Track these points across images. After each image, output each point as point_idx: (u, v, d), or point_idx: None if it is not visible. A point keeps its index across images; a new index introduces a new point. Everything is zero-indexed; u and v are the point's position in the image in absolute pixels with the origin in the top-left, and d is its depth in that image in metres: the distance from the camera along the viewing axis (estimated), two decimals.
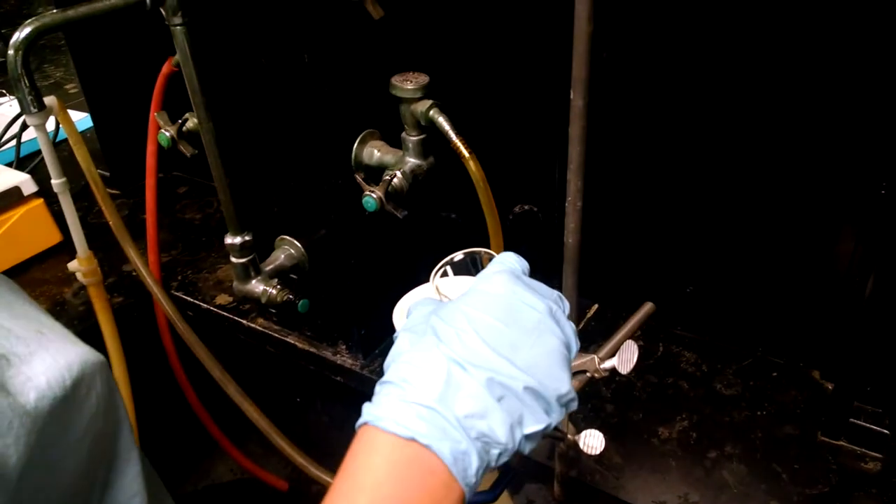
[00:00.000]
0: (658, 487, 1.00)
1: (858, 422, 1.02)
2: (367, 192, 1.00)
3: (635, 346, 0.78)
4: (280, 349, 1.31)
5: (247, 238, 1.09)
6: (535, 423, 0.55)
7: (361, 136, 1.07)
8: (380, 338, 1.27)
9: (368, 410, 0.54)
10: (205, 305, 1.39)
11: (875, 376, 1.02)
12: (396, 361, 0.56)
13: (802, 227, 1.09)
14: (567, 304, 0.64)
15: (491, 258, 0.67)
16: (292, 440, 1.62)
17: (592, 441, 0.76)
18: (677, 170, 1.16)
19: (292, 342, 1.28)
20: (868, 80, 0.94)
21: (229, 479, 1.66)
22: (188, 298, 1.42)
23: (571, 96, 0.64)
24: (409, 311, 0.64)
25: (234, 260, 1.10)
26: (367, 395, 1.24)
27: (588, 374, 0.82)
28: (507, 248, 1.33)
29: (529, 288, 0.60)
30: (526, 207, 1.26)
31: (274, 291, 1.10)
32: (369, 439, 0.53)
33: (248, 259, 1.10)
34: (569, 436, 0.77)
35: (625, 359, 0.78)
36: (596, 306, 1.34)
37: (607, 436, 0.79)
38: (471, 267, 0.74)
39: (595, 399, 1.16)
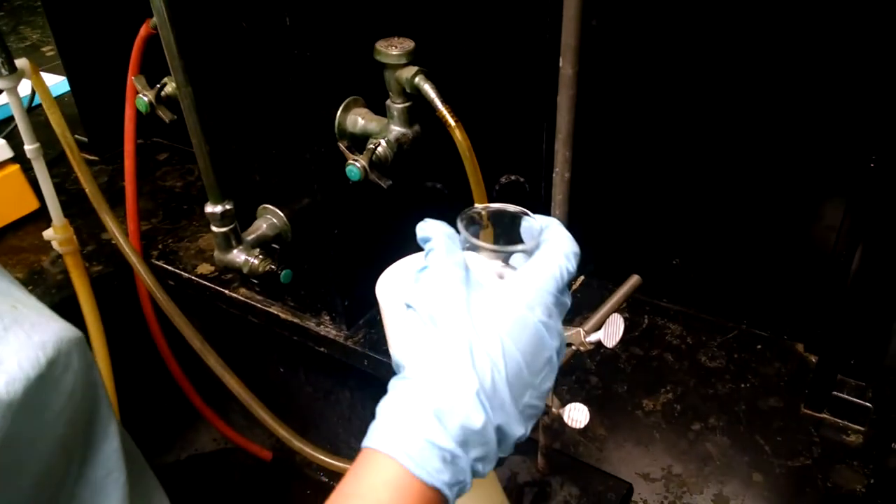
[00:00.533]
0: (642, 460, 1.01)
1: (841, 395, 1.03)
2: (351, 161, 0.98)
3: (621, 320, 0.77)
4: (263, 319, 1.29)
5: (227, 207, 1.06)
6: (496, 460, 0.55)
7: (345, 102, 1.05)
8: (364, 308, 1.25)
9: (388, 437, 0.50)
10: (185, 275, 1.37)
11: (858, 350, 1.02)
12: (422, 361, 0.52)
13: (788, 200, 1.08)
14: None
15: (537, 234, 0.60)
16: (275, 410, 1.61)
17: (577, 415, 0.76)
18: (665, 141, 1.14)
19: (275, 312, 1.27)
20: (855, 53, 0.93)
21: (213, 449, 1.65)
22: (169, 268, 1.39)
23: (561, 64, 0.62)
24: (427, 270, 0.55)
25: (214, 229, 1.07)
26: (351, 366, 1.24)
27: (574, 348, 0.82)
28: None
29: (559, 312, 0.57)
30: (512, 178, 1.25)
31: (256, 261, 1.08)
32: (385, 470, 0.49)
33: (228, 228, 1.08)
34: (553, 409, 0.77)
35: (610, 332, 0.77)
36: (582, 278, 1.33)
37: (591, 408, 0.79)
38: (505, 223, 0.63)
39: (579, 371, 1.15)
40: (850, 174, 1.00)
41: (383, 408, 0.52)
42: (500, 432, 0.52)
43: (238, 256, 1.10)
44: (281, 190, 1.13)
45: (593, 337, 0.79)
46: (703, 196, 1.15)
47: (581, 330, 0.80)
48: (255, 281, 1.10)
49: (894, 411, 1.04)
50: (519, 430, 0.53)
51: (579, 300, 1.28)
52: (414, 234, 0.59)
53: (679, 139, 1.12)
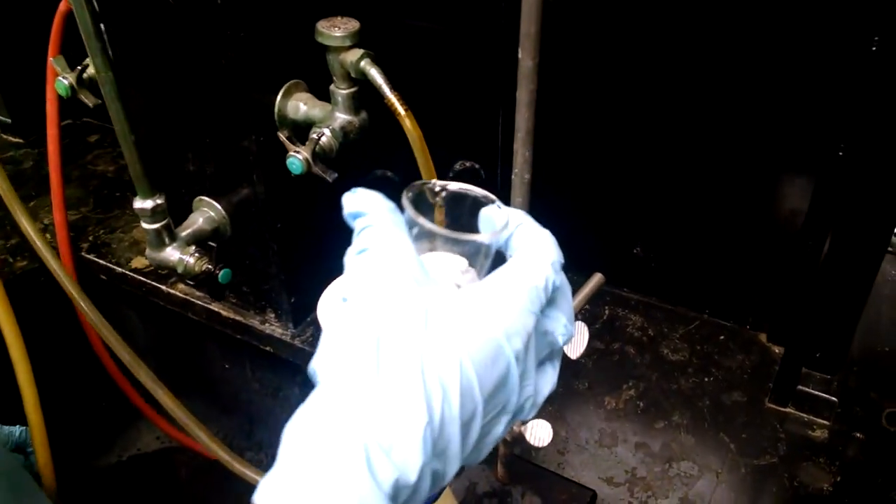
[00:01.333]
0: (605, 462, 0.96)
1: (807, 389, 1.00)
2: (292, 153, 0.90)
3: (585, 329, 0.72)
4: (203, 316, 1.21)
5: (159, 202, 0.97)
6: None
7: (285, 87, 0.96)
8: (311, 305, 1.18)
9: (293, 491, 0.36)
10: (119, 269, 1.28)
11: (824, 342, 0.99)
12: (354, 375, 0.39)
13: (751, 185, 1.04)
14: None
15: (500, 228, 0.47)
16: (221, 408, 1.54)
17: (540, 432, 0.71)
18: (625, 127, 1.09)
19: (216, 310, 1.19)
20: (818, 36, 0.88)
21: (157, 448, 1.57)
22: (100, 261, 1.30)
23: (520, 55, 0.56)
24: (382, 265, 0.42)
25: (145, 226, 0.99)
26: (299, 366, 1.17)
27: None
28: None
29: (535, 349, 0.44)
30: (467, 164, 1.18)
31: (192, 260, 1.00)
32: None
33: (161, 224, 0.99)
34: (514, 427, 0.71)
35: (574, 341, 0.72)
36: None
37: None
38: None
39: None
40: (815, 159, 0.96)
41: (291, 441, 0.39)
42: (436, 477, 0.39)
43: (172, 255, 1.01)
44: (218, 181, 1.04)
45: None
46: (663, 182, 1.10)
47: None
48: (191, 282, 1.02)
49: (859, 404, 1.02)
50: (456, 470, 0.41)
51: None
52: None
53: (639, 125, 1.07)
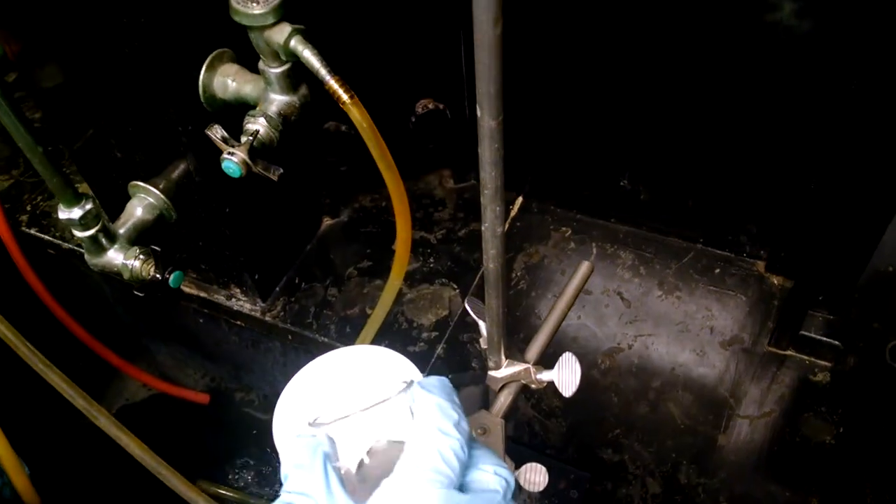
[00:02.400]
0: (601, 433, 0.93)
1: (809, 334, 0.95)
2: (226, 155, 0.78)
3: (576, 363, 0.65)
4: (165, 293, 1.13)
5: (87, 207, 0.86)
6: None
7: (207, 61, 0.82)
8: (279, 275, 1.10)
9: None
10: (66, 245, 1.18)
11: (830, 281, 0.93)
12: None
13: (745, 95, 0.91)
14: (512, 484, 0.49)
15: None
16: (205, 355, 1.50)
17: (534, 476, 0.66)
18: (608, 44, 0.95)
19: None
20: None
21: (145, 396, 1.55)
22: (44, 236, 1.20)
23: (479, 114, 0.44)
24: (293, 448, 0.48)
25: (77, 234, 0.88)
26: (276, 340, 1.11)
27: (521, 383, 0.70)
28: (412, 148, 1.13)
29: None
30: (431, 106, 1.05)
31: (137, 264, 0.90)
32: None
33: (95, 230, 0.88)
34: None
35: (566, 377, 0.66)
36: (520, 199, 1.18)
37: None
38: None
39: (527, 331, 1.04)
40: (820, 79, 0.84)
41: None
42: None
43: (114, 259, 0.91)
44: (150, 168, 0.92)
45: (545, 376, 0.67)
46: (649, 104, 0.98)
47: (530, 367, 0.68)
48: (138, 287, 0.92)
49: (862, 338, 0.98)
50: None
51: (518, 229, 1.15)
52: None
53: (622, 42, 0.93)
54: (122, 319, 1.50)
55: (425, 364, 1.00)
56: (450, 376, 0.53)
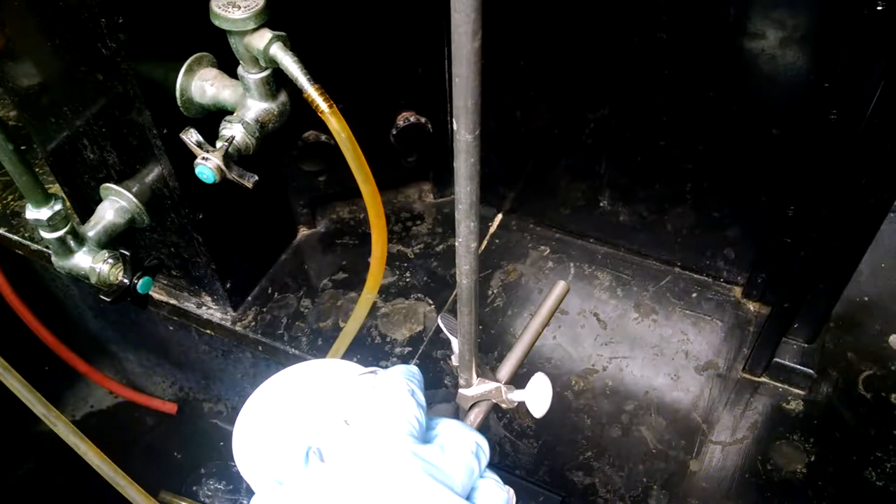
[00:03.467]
0: (572, 456, 0.92)
1: (783, 361, 0.95)
2: (201, 161, 0.77)
3: (547, 383, 0.64)
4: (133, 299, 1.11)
5: (56, 208, 0.84)
6: None
7: (186, 64, 0.81)
8: (251, 284, 1.08)
9: None
10: (36, 246, 1.15)
11: (805, 311, 0.93)
12: None
13: (728, 115, 0.91)
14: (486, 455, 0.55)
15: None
16: (173, 363, 1.47)
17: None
18: (589, 61, 0.95)
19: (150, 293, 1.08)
20: None
21: (111, 404, 1.52)
22: (13, 237, 1.17)
23: (454, 127, 0.43)
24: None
25: (45, 235, 0.86)
26: (247, 350, 1.09)
27: (492, 402, 0.69)
28: (392, 161, 1.12)
29: (438, 477, 0.49)
30: (412, 119, 1.04)
31: (105, 268, 0.88)
32: None
33: (63, 231, 0.86)
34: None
35: (537, 398, 0.64)
36: (500, 216, 1.18)
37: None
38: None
39: (500, 353, 1.03)
40: (802, 101, 0.84)
41: None
42: None
43: (82, 262, 0.89)
44: (123, 171, 0.91)
45: (516, 395, 0.66)
46: (631, 120, 0.97)
47: (501, 386, 0.67)
48: (105, 291, 0.90)
49: (835, 366, 0.98)
50: None
51: (497, 246, 1.14)
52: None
53: (604, 59, 0.93)
54: (89, 325, 1.48)
55: None
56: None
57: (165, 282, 1.08)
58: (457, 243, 0.55)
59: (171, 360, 1.44)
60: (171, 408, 1.46)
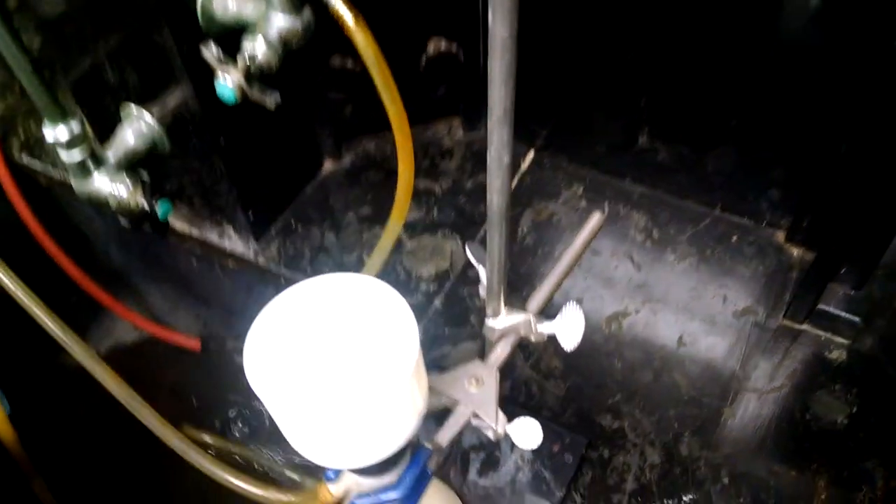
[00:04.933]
0: (601, 399, 0.89)
1: (827, 308, 0.90)
2: (221, 78, 0.73)
3: (580, 314, 0.61)
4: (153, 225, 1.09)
5: (76, 130, 0.81)
6: None
7: None
8: (274, 214, 1.05)
9: None
10: (59, 176, 1.14)
11: (854, 254, 0.88)
12: None
13: (776, 54, 0.86)
14: None
15: None
16: (196, 297, 1.46)
17: (528, 432, 0.61)
18: None
19: (169, 222, 1.06)
20: None
21: (135, 338, 1.51)
22: (35, 163, 1.15)
23: (490, 24, 0.39)
24: None
25: (64, 158, 0.84)
26: (269, 284, 1.07)
27: (519, 334, 0.66)
28: (421, 94, 1.08)
29: None
30: (443, 46, 0.99)
31: (125, 192, 0.86)
32: None
33: (83, 151, 0.84)
34: (498, 428, 0.62)
35: (568, 329, 0.61)
36: (532, 153, 1.13)
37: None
38: None
39: (528, 289, 1.00)
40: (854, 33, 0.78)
41: None
42: None
43: (102, 185, 0.87)
44: (144, 93, 0.88)
45: (546, 327, 0.63)
46: (672, 51, 0.92)
47: (530, 317, 0.63)
48: (124, 217, 0.88)
49: (881, 314, 0.93)
50: None
51: (528, 185, 1.10)
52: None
53: None
54: (113, 258, 1.46)
55: (422, 316, 0.96)
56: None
57: (187, 211, 1.05)
58: (488, 157, 0.51)
59: (194, 295, 1.42)
60: (194, 344, 1.45)
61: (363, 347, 0.48)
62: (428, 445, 0.58)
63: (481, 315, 0.80)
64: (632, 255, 1.01)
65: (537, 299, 0.68)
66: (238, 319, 1.45)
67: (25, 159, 1.15)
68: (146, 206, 0.85)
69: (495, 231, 0.55)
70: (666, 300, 0.97)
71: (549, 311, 0.67)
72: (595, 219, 0.73)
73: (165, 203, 0.87)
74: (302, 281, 0.51)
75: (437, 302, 0.97)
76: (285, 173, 1.05)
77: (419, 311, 0.96)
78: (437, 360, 0.93)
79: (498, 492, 0.80)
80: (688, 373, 0.90)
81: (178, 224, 1.06)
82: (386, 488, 0.57)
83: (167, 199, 0.88)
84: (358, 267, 0.99)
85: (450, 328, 0.95)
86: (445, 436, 0.61)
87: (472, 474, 0.82)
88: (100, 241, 1.48)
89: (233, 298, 1.38)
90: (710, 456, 0.84)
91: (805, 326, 0.93)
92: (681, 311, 0.96)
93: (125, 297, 1.46)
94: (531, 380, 0.91)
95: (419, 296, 0.98)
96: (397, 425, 0.50)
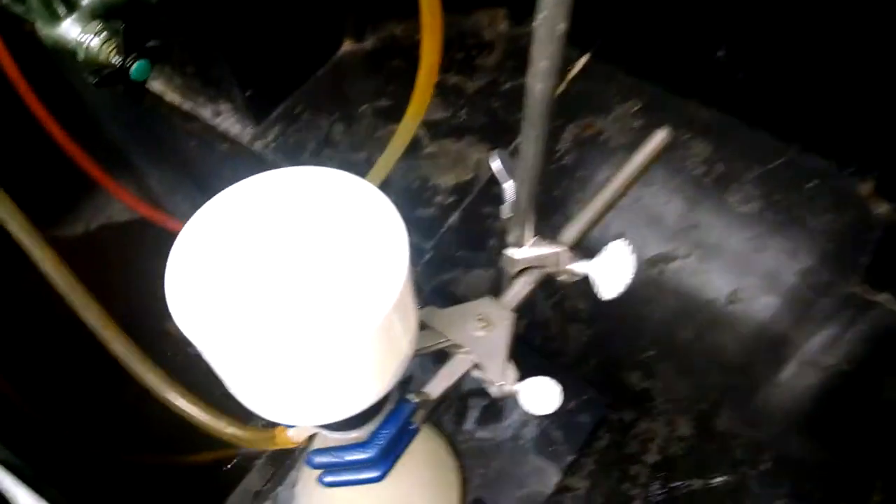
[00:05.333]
0: (629, 349, 0.76)
1: None
2: None
3: (628, 253, 0.47)
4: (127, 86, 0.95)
5: None
6: None
7: None
8: (276, 97, 0.91)
9: None
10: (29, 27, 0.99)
11: None
12: None
13: None
14: None
15: None
16: (195, 184, 1.34)
17: (541, 395, 0.48)
18: None
19: (158, 90, 0.93)
20: None
21: (129, 219, 1.40)
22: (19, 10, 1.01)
23: None
24: None
25: None
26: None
27: (544, 271, 0.52)
28: None
29: None
30: None
31: (95, 42, 0.72)
32: None
33: None
34: (505, 385, 0.49)
35: (610, 273, 0.47)
36: (585, 58, 0.97)
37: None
38: None
39: (558, 217, 0.86)
40: None
41: None
42: None
43: (69, 31, 0.73)
44: None
45: (581, 266, 0.49)
46: None
47: (562, 251, 0.50)
48: (93, 72, 0.74)
49: None
50: None
51: (579, 91, 0.94)
52: None
53: None
54: (111, 132, 1.34)
55: (433, 232, 0.83)
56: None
57: (180, 81, 0.92)
58: (534, 24, 0.36)
59: (192, 180, 1.30)
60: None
61: (331, 270, 0.35)
62: (413, 398, 0.46)
63: (501, 241, 0.66)
64: (686, 190, 0.86)
65: (574, 230, 0.54)
66: None
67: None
68: (117, 62, 0.71)
69: (532, 130, 0.41)
70: (720, 248, 0.82)
71: (584, 246, 0.54)
72: (658, 136, 0.58)
73: (142, 64, 0.73)
74: (251, 176, 0.38)
75: (453, 218, 0.84)
76: (295, 50, 0.90)
77: (432, 226, 0.83)
78: (444, 286, 0.80)
79: (496, 447, 0.68)
80: (736, 334, 0.77)
81: (169, 95, 0.93)
82: (354, 446, 0.44)
83: (146, 60, 0.74)
84: (367, 167, 0.85)
85: (464, 251, 0.81)
86: (437, 387, 0.48)
87: (470, 422, 0.70)
88: (97, 112, 1.35)
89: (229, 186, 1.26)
90: (752, 434, 0.71)
91: (882, 297, 0.78)
92: (736, 263, 0.81)
93: (121, 176, 1.34)
94: (550, 320, 0.78)
95: (433, 209, 0.84)
96: (370, 376, 0.37)
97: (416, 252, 0.81)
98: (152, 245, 1.38)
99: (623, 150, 0.89)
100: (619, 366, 0.75)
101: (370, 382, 0.38)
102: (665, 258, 0.82)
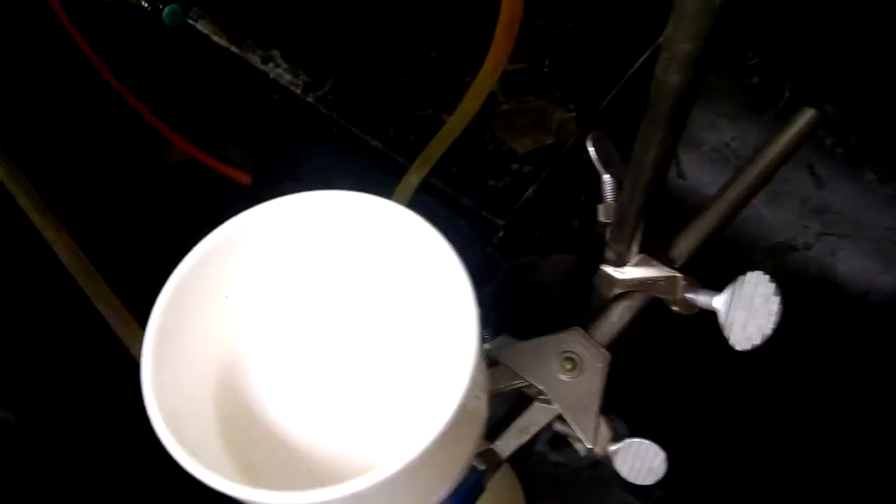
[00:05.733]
0: None
1: None
2: None
3: (775, 297, 0.35)
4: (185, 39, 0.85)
5: None
6: None
7: None
8: (330, 45, 0.80)
9: None
10: None
11: None
12: None
13: None
14: None
15: None
16: (249, 138, 1.25)
17: (644, 461, 0.38)
18: None
19: (203, 31, 0.83)
20: None
21: (182, 161, 1.33)
22: None
23: None
24: None
25: None
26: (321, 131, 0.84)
27: (650, 295, 0.40)
28: None
29: None
30: None
31: None
32: None
33: None
34: (595, 449, 0.39)
35: (747, 315, 0.35)
36: None
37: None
38: None
39: None
40: None
41: None
42: None
43: None
44: None
45: (705, 298, 0.37)
46: None
47: (679, 277, 0.38)
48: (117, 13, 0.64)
49: None
50: None
51: None
52: None
53: None
54: (157, 80, 1.26)
55: (508, 205, 0.71)
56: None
57: (226, 21, 0.81)
58: None
59: (250, 130, 1.22)
60: (244, 178, 1.26)
61: (380, 370, 0.25)
62: (479, 465, 0.36)
63: (587, 221, 0.55)
64: (813, 166, 0.72)
65: (687, 242, 0.42)
66: (296, 163, 1.24)
67: None
68: (147, 5, 0.61)
69: (657, 132, 0.29)
70: (854, 236, 0.68)
71: (695, 260, 0.42)
72: (806, 115, 0.45)
73: (174, 8, 0.63)
74: (283, 197, 0.27)
75: (531, 190, 0.72)
76: None
77: (506, 198, 0.72)
78: (517, 272, 0.69)
79: (572, 474, 0.59)
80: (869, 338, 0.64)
81: (216, 36, 0.82)
82: None
83: (177, 5, 0.63)
84: (434, 127, 0.73)
85: (541, 230, 0.70)
86: (509, 445, 0.38)
87: (541, 443, 0.60)
88: (149, 57, 1.28)
89: (291, 141, 1.17)
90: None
91: None
92: (872, 256, 0.68)
93: (177, 121, 1.27)
94: None
95: (507, 178, 0.73)
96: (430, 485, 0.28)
97: (488, 228, 0.71)
98: (208, 187, 1.31)
99: (742, 113, 0.75)
100: None
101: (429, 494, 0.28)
102: (785, 247, 0.69)
